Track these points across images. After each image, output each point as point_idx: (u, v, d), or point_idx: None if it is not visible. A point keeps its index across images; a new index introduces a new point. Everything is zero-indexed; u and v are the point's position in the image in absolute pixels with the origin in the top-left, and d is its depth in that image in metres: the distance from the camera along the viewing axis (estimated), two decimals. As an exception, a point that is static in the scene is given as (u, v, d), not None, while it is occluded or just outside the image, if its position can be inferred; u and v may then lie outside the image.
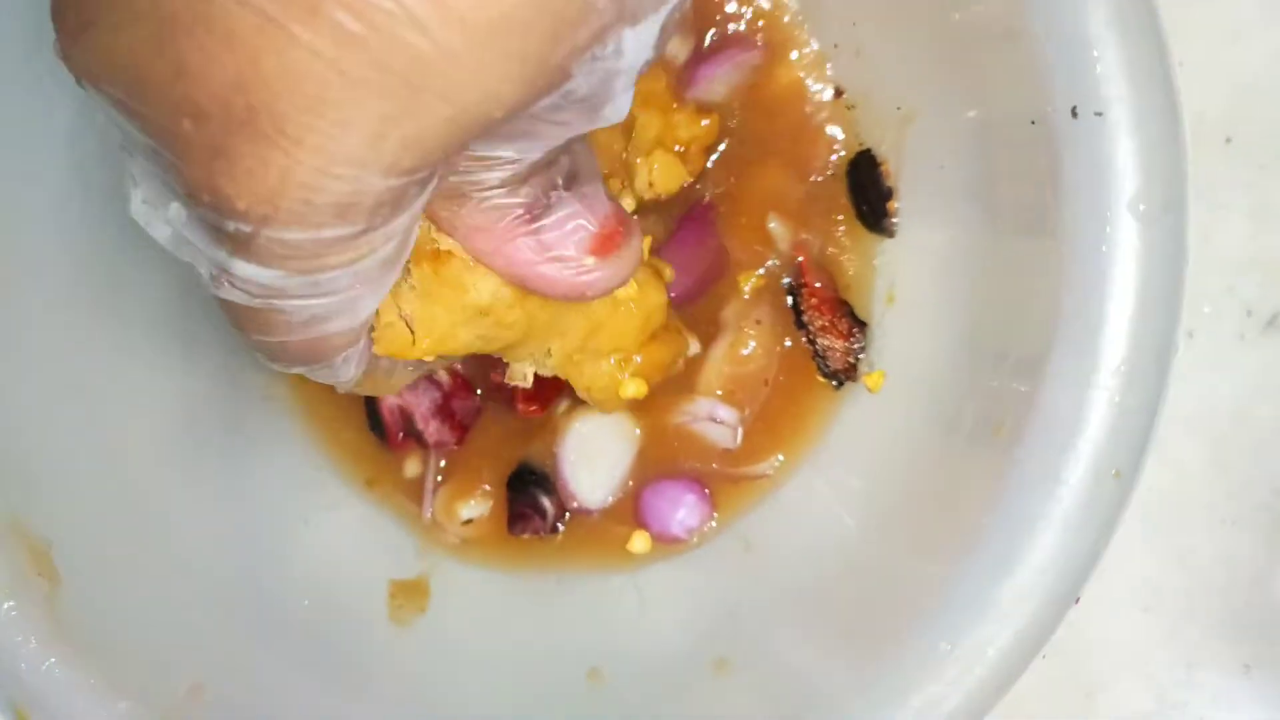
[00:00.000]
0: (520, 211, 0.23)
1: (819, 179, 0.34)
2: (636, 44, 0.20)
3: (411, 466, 0.35)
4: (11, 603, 0.27)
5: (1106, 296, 0.24)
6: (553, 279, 0.24)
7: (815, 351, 0.33)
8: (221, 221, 0.20)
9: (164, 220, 0.22)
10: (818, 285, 0.33)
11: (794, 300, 0.34)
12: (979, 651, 0.24)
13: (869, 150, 0.32)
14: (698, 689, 0.30)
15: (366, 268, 0.21)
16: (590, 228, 0.24)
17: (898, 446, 0.29)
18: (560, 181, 0.24)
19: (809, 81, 0.33)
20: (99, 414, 0.30)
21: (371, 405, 0.35)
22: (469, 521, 0.35)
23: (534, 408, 0.35)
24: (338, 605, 0.33)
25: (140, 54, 0.19)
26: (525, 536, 0.35)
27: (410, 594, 0.34)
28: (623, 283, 0.25)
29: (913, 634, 0.25)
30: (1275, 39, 0.37)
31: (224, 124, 0.19)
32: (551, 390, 0.34)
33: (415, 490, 0.35)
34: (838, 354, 0.33)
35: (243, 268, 0.21)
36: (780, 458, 0.34)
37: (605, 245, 0.24)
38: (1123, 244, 0.24)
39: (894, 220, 0.32)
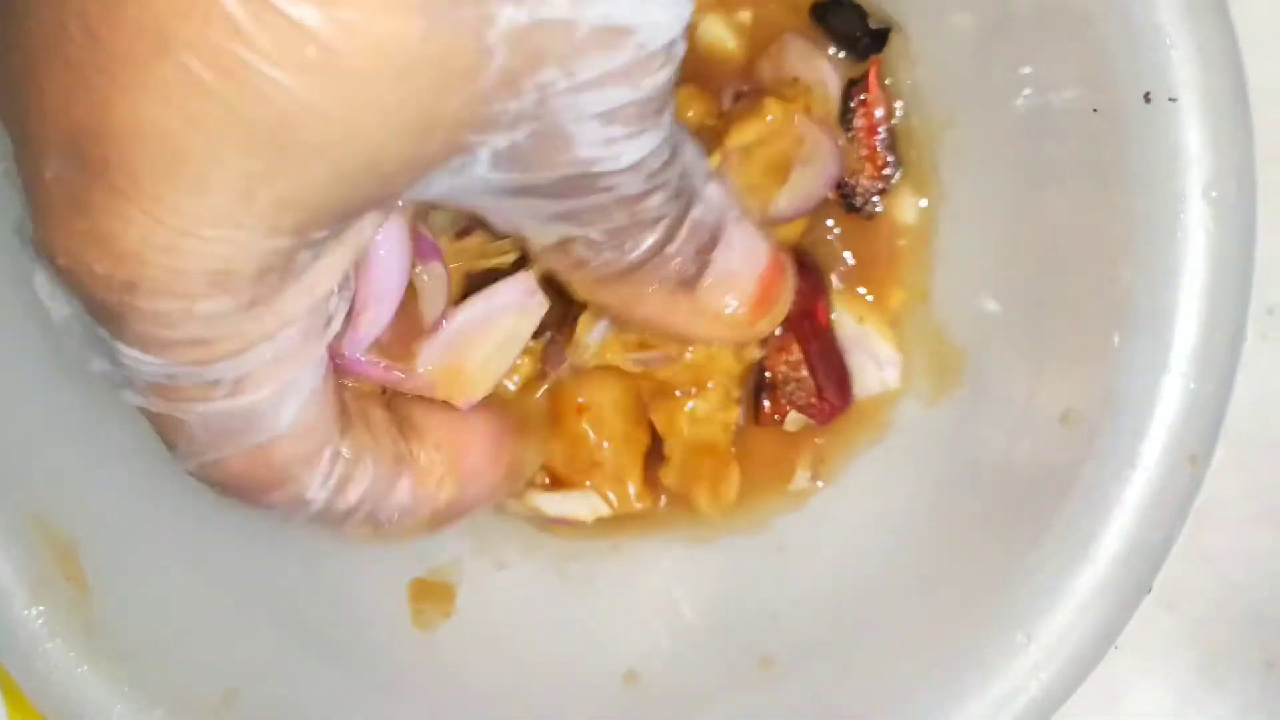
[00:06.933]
0: (671, 275, 0.21)
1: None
2: (590, 70, 0.17)
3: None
4: (41, 608, 0.26)
5: (1179, 283, 0.24)
6: (711, 337, 0.23)
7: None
8: (87, 293, 0.18)
9: (66, 299, 0.19)
10: (877, 113, 0.29)
11: (845, 104, 0.30)
12: (1058, 642, 0.24)
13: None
14: (744, 690, 0.29)
15: (263, 356, 0.19)
16: (750, 287, 0.22)
17: (959, 431, 0.28)
18: (708, 240, 0.21)
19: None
20: (113, 412, 0.29)
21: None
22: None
23: None
24: (363, 606, 0.32)
25: (8, 87, 0.17)
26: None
27: (434, 597, 0.33)
28: (776, 325, 0.24)
29: (987, 624, 0.24)
30: (1295, 41, 0.37)
31: (81, 175, 0.17)
32: None
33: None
34: (861, 188, 0.29)
35: (125, 354, 0.19)
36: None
37: (766, 297, 0.22)
38: (1194, 230, 0.24)
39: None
